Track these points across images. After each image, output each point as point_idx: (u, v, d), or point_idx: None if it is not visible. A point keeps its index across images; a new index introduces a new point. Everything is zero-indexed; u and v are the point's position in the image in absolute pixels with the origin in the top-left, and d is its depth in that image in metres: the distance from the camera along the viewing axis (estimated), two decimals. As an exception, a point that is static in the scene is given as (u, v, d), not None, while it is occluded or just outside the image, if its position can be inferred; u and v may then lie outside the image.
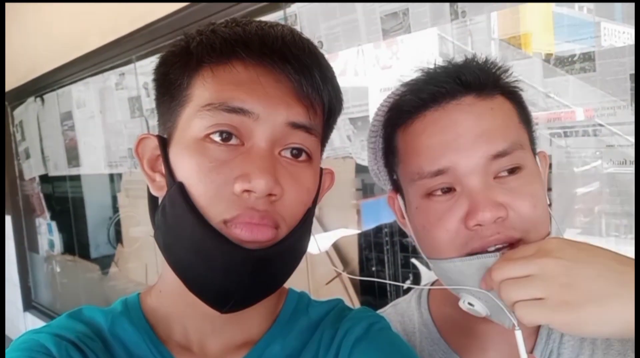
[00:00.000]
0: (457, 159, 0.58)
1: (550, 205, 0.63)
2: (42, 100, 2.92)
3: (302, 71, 0.49)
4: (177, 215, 0.49)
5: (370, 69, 1.31)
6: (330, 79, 0.53)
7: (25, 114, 3.15)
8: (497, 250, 0.57)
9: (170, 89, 0.52)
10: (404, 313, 0.77)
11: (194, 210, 0.48)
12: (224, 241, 0.47)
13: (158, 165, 0.54)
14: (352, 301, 1.50)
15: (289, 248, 0.51)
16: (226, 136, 0.48)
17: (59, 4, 2.51)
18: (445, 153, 0.58)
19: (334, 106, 0.55)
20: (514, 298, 0.50)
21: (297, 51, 0.49)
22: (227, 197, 0.47)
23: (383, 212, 1.41)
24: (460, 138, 0.58)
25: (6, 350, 0.51)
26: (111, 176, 2.53)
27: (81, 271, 2.96)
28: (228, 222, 0.47)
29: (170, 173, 0.51)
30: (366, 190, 1.44)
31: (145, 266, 2.40)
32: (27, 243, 3.53)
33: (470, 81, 0.60)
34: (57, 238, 3.17)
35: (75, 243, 2.96)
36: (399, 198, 0.69)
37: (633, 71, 0.88)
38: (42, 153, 3.03)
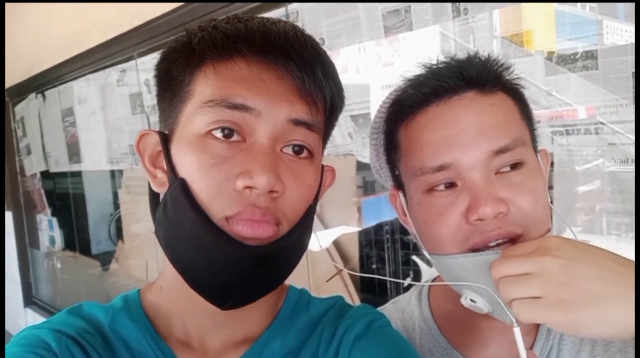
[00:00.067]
0: (458, 155, 0.58)
1: (551, 203, 0.63)
2: (44, 96, 2.92)
3: (305, 67, 0.49)
4: (178, 212, 0.49)
5: (371, 66, 1.30)
6: (333, 76, 0.53)
7: (26, 110, 3.15)
8: (498, 245, 0.57)
9: (171, 85, 0.52)
10: (404, 310, 0.77)
11: (196, 207, 0.48)
12: (225, 237, 0.47)
13: (159, 161, 0.54)
14: (353, 298, 1.50)
15: (290, 245, 0.51)
16: (228, 132, 0.48)
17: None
18: (447, 149, 0.59)
19: (336, 103, 0.55)
20: (512, 295, 0.50)
21: (300, 48, 0.49)
22: (229, 194, 0.47)
23: (384, 210, 1.41)
24: (462, 133, 0.58)
25: (6, 346, 0.51)
26: (112, 172, 2.54)
27: (82, 268, 2.97)
28: (230, 219, 0.47)
29: (171, 169, 0.51)
30: (367, 188, 1.44)
31: (145, 263, 2.41)
32: (27, 239, 3.54)
33: (473, 76, 0.60)
34: (57, 234, 3.17)
35: (76, 239, 2.96)
36: (401, 195, 0.69)
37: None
38: (43, 149, 3.03)
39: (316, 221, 0.56)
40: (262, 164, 0.47)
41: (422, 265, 1.32)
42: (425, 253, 0.66)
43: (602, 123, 0.94)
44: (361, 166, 1.40)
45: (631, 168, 0.91)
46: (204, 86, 0.49)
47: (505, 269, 0.51)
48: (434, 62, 0.64)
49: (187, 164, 0.49)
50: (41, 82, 2.87)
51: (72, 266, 3.09)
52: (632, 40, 0.88)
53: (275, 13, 1.48)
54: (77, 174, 2.79)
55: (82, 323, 0.54)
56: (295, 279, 0.59)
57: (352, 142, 1.37)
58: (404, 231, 1.34)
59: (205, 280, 0.50)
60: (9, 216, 3.57)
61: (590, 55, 0.93)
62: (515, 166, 0.58)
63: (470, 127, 0.58)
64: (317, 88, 0.50)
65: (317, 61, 0.50)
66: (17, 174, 3.46)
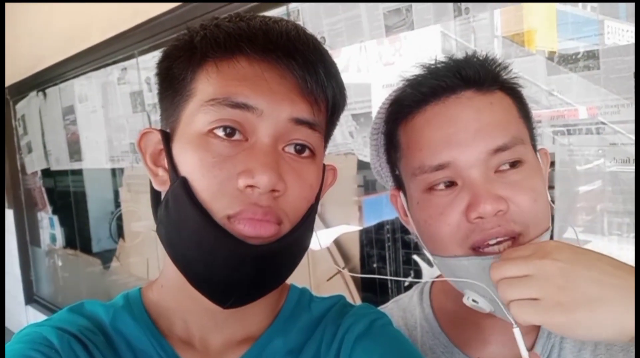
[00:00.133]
0: (457, 154, 0.58)
1: (552, 203, 0.63)
2: (44, 94, 2.92)
3: (307, 66, 0.49)
4: (180, 210, 0.49)
5: (372, 65, 1.31)
6: (335, 75, 0.53)
7: (27, 108, 3.15)
8: (498, 242, 0.58)
9: (173, 84, 0.52)
10: (405, 308, 0.77)
11: (197, 205, 0.48)
12: (227, 236, 0.47)
13: (161, 160, 0.54)
14: (353, 297, 1.50)
15: (292, 244, 0.51)
16: (230, 131, 0.48)
17: (61, -2, 2.51)
18: (446, 148, 0.59)
19: (338, 102, 0.55)
20: (510, 297, 0.50)
21: (302, 47, 0.49)
22: (230, 192, 0.47)
23: (385, 209, 1.41)
24: (460, 132, 0.59)
25: (8, 343, 0.51)
26: (113, 170, 2.54)
27: (83, 266, 2.97)
28: (231, 218, 0.47)
29: (173, 168, 0.51)
30: (368, 187, 1.44)
31: (146, 261, 2.41)
32: (28, 237, 3.54)
33: (471, 75, 0.61)
34: (58, 232, 3.17)
35: (77, 237, 2.96)
36: (402, 195, 0.69)
37: (637, 70, 0.88)
38: (44, 147, 3.04)
39: (317, 220, 0.56)
40: (264, 163, 0.47)
41: (423, 265, 1.32)
42: (427, 252, 0.66)
43: (603, 123, 0.94)
44: (362, 165, 1.40)
45: (632, 168, 0.91)
46: (206, 85, 0.49)
47: (505, 271, 0.51)
48: (433, 62, 0.64)
49: (189, 163, 0.49)
50: (42, 80, 2.88)
51: (73, 264, 3.09)
52: (634, 40, 0.88)
53: (276, 12, 1.48)
54: (78, 172, 2.80)
55: (83, 321, 0.54)
56: (296, 278, 0.59)
57: (353, 141, 1.37)
58: (405, 231, 1.34)
59: (206, 278, 0.50)
60: (10, 214, 3.57)
61: (592, 55, 0.93)
62: (514, 164, 0.59)
63: (469, 126, 0.59)
64: (319, 87, 0.50)
65: (319, 60, 0.50)
66: (18, 172, 3.46)
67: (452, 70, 0.61)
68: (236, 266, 0.48)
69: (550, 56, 0.99)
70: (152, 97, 2.10)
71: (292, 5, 1.44)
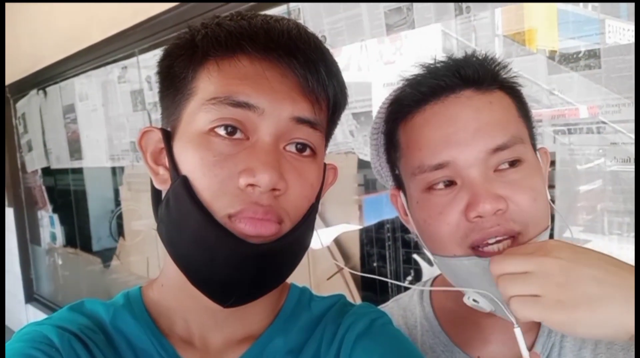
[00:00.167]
0: (457, 153, 0.58)
1: (552, 202, 0.63)
2: (45, 93, 2.92)
3: (308, 65, 0.49)
4: (181, 209, 0.49)
5: (373, 64, 1.30)
6: (336, 74, 0.53)
7: (27, 106, 3.15)
8: (498, 241, 0.58)
9: (174, 82, 0.52)
10: (406, 307, 0.77)
11: (198, 204, 0.47)
12: (228, 235, 0.47)
13: (161, 158, 0.54)
14: (353, 296, 1.50)
15: (293, 243, 0.51)
16: (231, 130, 0.48)
17: (61, -3, 2.51)
18: (446, 147, 0.59)
19: (339, 101, 0.54)
20: (510, 293, 0.50)
21: (303, 46, 0.49)
22: (231, 191, 0.47)
23: (385, 208, 1.41)
24: (459, 132, 0.59)
25: (8, 341, 0.51)
26: (113, 169, 2.54)
27: (83, 264, 2.97)
28: (232, 216, 0.47)
29: (174, 167, 0.51)
30: (368, 186, 1.44)
31: (146, 260, 2.41)
32: (29, 236, 3.55)
33: (470, 75, 0.61)
34: (59, 230, 3.17)
35: (77, 235, 2.97)
36: (402, 195, 0.69)
37: (638, 69, 0.88)
38: (45, 145, 3.04)
39: (317, 219, 0.56)
40: (265, 162, 0.46)
41: (423, 264, 1.32)
42: (427, 251, 0.66)
43: (604, 122, 0.94)
44: (362, 164, 1.40)
45: (633, 167, 0.91)
46: (207, 83, 0.49)
47: (505, 266, 0.51)
48: (432, 61, 0.65)
49: (190, 162, 0.49)
50: (42, 79, 2.88)
51: (73, 263, 3.09)
52: (634, 39, 0.88)
53: (277, 11, 1.48)
54: (78, 171, 2.80)
55: (84, 320, 0.54)
56: (296, 277, 0.59)
57: (353, 140, 1.37)
58: (405, 230, 1.34)
59: (207, 277, 0.50)
60: (10, 212, 3.57)
61: (593, 54, 0.93)
62: (513, 163, 0.59)
63: (468, 125, 0.59)
64: (320, 86, 0.50)
65: (320, 59, 0.50)
66: (18, 170, 3.46)
67: (451, 69, 0.61)
68: (237, 265, 0.48)
69: (551, 55, 0.99)
70: (152, 95, 2.10)
71: (293, 4, 1.44)
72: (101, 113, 2.45)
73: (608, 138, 0.93)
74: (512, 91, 0.64)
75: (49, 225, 3.28)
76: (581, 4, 0.95)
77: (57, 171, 3.01)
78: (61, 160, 2.89)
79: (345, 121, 1.35)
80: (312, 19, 1.40)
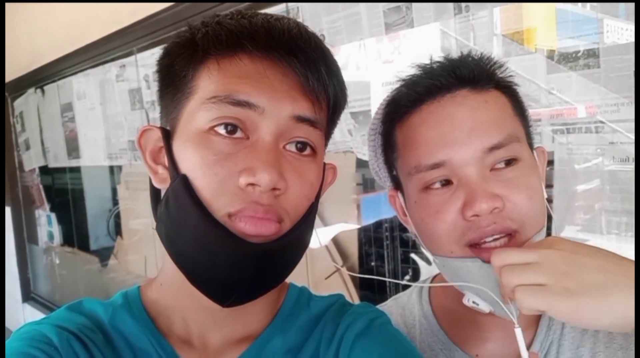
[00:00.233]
0: (453, 153, 0.59)
1: (550, 202, 0.63)
2: (43, 91, 2.91)
3: (309, 64, 0.49)
4: (180, 208, 0.49)
5: (372, 63, 1.30)
6: (336, 73, 0.53)
7: (25, 105, 3.14)
8: (495, 240, 0.58)
9: (174, 81, 0.52)
10: (405, 306, 0.77)
11: (198, 203, 0.47)
12: (228, 235, 0.47)
13: (161, 157, 0.54)
14: (351, 295, 1.50)
15: (292, 243, 0.51)
16: (231, 128, 0.48)
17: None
18: (442, 146, 0.59)
19: (339, 101, 0.55)
20: (515, 282, 0.50)
21: (304, 45, 0.49)
22: (231, 190, 0.47)
23: (383, 207, 1.41)
24: (455, 131, 0.59)
25: (7, 340, 0.51)
26: (111, 168, 2.53)
27: (80, 263, 2.96)
28: (232, 216, 0.47)
29: (173, 166, 0.50)
30: (366, 185, 1.44)
31: (144, 259, 2.41)
32: (26, 235, 3.53)
33: (465, 74, 0.61)
34: (56, 229, 3.16)
35: (75, 235, 2.96)
36: (400, 195, 0.69)
37: (637, 69, 0.88)
38: (42, 144, 3.03)
39: (316, 219, 0.56)
40: (265, 162, 0.46)
41: (421, 263, 1.32)
42: (425, 251, 0.66)
43: (602, 122, 0.94)
44: (361, 164, 1.40)
45: (631, 167, 0.91)
46: (208, 82, 0.49)
47: (508, 257, 0.52)
48: (428, 62, 0.65)
49: (189, 161, 0.49)
50: (40, 77, 2.87)
51: (70, 262, 3.08)
52: (633, 39, 0.88)
53: (275, 9, 1.48)
54: (76, 170, 2.79)
55: (82, 320, 0.54)
56: (294, 276, 0.59)
57: (352, 139, 1.37)
58: (403, 229, 1.34)
59: (206, 277, 0.50)
60: (7, 211, 3.56)
61: (592, 53, 0.93)
62: (509, 162, 0.59)
63: (464, 124, 0.59)
64: (320, 85, 0.50)
65: (320, 58, 0.50)
66: (16, 169, 3.45)
67: (447, 69, 0.62)
68: (237, 264, 0.48)
69: (550, 55, 0.99)
70: (150, 94, 2.09)
71: (292, 2, 1.44)
72: (99, 112, 2.44)
73: (606, 137, 0.94)
74: (507, 90, 0.64)
75: (47, 223, 3.27)
76: (580, 4, 0.95)
77: (54, 170, 3.00)
78: (59, 159, 2.88)
79: (344, 120, 1.35)
80: (310, 17, 1.40)
